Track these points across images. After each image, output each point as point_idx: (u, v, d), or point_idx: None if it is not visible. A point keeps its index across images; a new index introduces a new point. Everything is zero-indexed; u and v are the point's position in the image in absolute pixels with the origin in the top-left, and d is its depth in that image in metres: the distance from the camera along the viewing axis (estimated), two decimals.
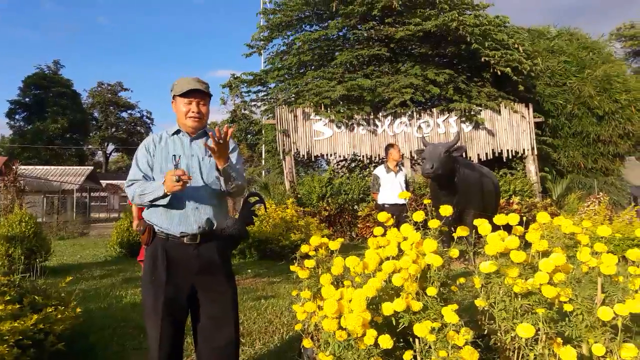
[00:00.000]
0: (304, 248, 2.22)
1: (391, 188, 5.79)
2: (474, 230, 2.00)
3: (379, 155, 11.46)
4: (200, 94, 2.09)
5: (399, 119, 11.70)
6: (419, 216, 1.97)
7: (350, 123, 11.62)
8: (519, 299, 1.77)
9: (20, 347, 2.34)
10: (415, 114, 11.77)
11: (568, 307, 1.74)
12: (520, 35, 12.93)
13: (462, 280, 2.02)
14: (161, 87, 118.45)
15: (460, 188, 5.53)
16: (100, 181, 29.43)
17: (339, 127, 11.63)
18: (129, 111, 47.83)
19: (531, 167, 11.91)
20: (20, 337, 2.37)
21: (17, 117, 36.90)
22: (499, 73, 11.51)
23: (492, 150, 11.92)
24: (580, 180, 13.74)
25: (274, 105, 12.67)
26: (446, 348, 1.60)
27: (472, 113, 11.73)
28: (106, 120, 45.81)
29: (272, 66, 13.53)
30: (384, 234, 2.07)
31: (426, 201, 2.22)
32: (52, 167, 26.00)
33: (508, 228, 1.93)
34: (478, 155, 11.77)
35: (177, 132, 2.16)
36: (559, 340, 1.70)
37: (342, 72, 12.13)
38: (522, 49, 11.84)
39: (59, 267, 7.02)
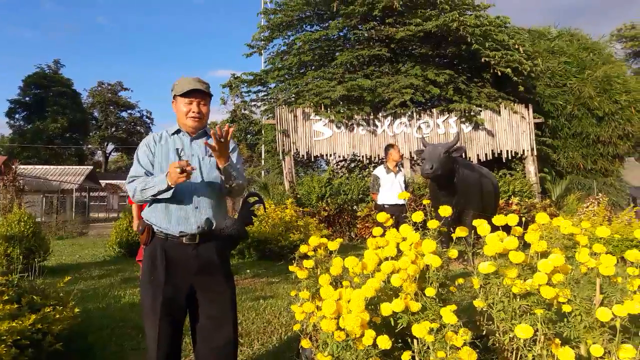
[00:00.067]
0: (303, 248, 2.22)
1: (391, 188, 5.79)
2: (473, 231, 2.00)
3: (378, 155, 11.46)
4: (201, 94, 2.09)
5: (398, 119, 11.70)
6: (418, 217, 1.98)
7: (350, 123, 11.62)
8: (518, 299, 1.77)
9: (18, 347, 2.34)
10: (415, 114, 11.77)
11: (566, 308, 1.75)
12: (520, 36, 12.92)
13: (460, 280, 2.02)
14: (161, 87, 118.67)
15: (459, 189, 5.53)
16: (100, 181, 29.46)
17: (338, 128, 11.63)
18: (128, 111, 47.89)
19: (531, 167, 11.91)
20: (18, 337, 2.37)
21: (17, 116, 37.00)
22: (499, 74, 11.51)
23: (492, 150, 11.93)
24: (580, 181, 13.75)
25: (274, 105, 12.67)
26: (445, 349, 1.60)
27: (472, 114, 11.73)
28: (106, 120, 45.80)
29: (273, 66, 13.51)
30: (383, 235, 2.07)
31: (425, 202, 2.23)
32: (52, 167, 26.02)
33: (507, 229, 1.93)
34: (477, 155, 11.77)
35: (178, 131, 2.16)
36: (558, 341, 1.70)
37: (343, 73, 12.13)
38: (523, 50, 11.83)
39: (58, 266, 7.01)
